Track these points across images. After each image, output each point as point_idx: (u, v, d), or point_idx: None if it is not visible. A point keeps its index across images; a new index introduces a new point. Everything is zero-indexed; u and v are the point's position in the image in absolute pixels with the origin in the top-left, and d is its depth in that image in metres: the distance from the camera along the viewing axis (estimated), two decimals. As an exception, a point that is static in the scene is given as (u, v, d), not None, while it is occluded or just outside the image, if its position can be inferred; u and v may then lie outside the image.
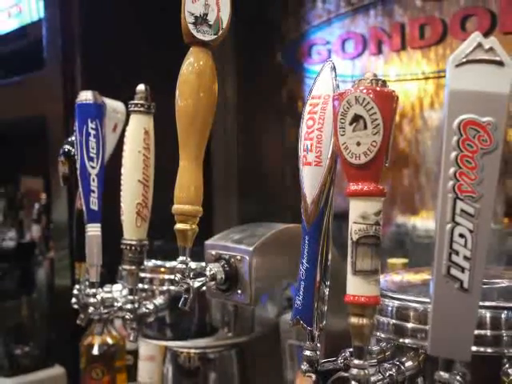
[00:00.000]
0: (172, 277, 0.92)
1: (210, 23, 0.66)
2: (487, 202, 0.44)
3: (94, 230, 0.86)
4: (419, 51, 1.22)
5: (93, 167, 0.86)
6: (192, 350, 1.01)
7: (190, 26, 0.65)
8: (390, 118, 0.47)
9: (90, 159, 0.86)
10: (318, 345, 0.58)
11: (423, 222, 1.24)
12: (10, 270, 1.45)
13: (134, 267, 0.84)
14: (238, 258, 0.78)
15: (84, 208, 0.86)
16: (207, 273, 0.77)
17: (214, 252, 0.81)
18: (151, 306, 0.90)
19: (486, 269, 0.46)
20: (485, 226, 0.44)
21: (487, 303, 0.56)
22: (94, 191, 0.86)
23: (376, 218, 0.48)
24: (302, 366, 0.58)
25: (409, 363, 0.57)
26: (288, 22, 1.48)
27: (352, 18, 1.33)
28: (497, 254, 1.10)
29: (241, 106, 1.62)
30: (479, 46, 0.43)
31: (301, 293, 0.58)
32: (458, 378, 0.48)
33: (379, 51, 1.28)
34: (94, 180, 0.86)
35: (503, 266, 0.88)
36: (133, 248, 0.83)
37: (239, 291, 0.79)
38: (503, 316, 0.55)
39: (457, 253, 0.44)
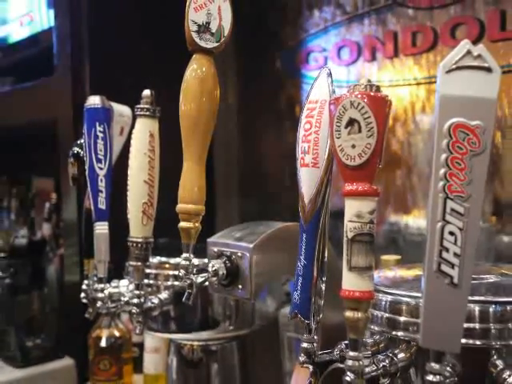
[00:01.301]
0: (176, 273, 0.92)
1: (213, 31, 0.66)
2: (476, 202, 0.44)
3: (101, 228, 0.86)
4: (411, 58, 1.22)
5: (101, 168, 0.86)
6: (195, 343, 1.01)
7: (193, 34, 0.65)
8: (384, 122, 0.47)
9: (98, 161, 0.86)
10: (315, 337, 0.58)
11: (415, 221, 1.24)
12: (22, 266, 1.45)
13: (139, 263, 0.84)
14: (239, 254, 0.78)
15: (92, 207, 0.86)
16: (209, 269, 0.77)
17: (216, 249, 0.81)
18: (156, 301, 0.90)
19: (474, 265, 0.46)
20: (474, 225, 0.44)
21: (476, 298, 0.56)
22: (101, 191, 0.86)
23: (370, 217, 0.48)
24: (300, 358, 0.58)
25: (401, 355, 0.57)
26: (286, 30, 1.48)
27: (347, 26, 1.33)
28: (485, 250, 1.10)
29: (241, 109, 1.62)
30: (468, 53, 0.43)
31: (299, 288, 0.58)
32: (448, 368, 0.48)
33: (373, 58, 1.28)
34: (101, 180, 0.86)
35: (491, 263, 0.88)
36: (139, 245, 0.83)
37: (240, 286, 0.79)
38: (491, 310, 0.55)
39: (447, 250, 0.44)
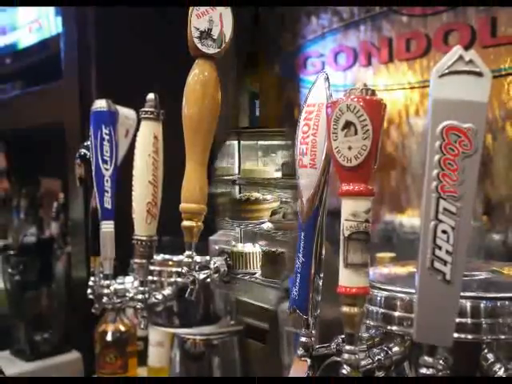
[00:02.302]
0: (179, 269, 0.92)
1: (214, 37, 0.66)
2: (467, 201, 0.44)
3: (107, 227, 0.86)
4: (405, 63, 1.22)
5: (107, 169, 0.86)
6: (197, 337, 1.01)
7: (196, 40, 0.65)
8: (379, 125, 0.47)
9: (104, 162, 0.86)
10: (313, 332, 0.58)
11: (409, 220, 1.24)
12: (31, 263, 1.45)
13: (144, 261, 0.84)
14: (240, 252, 0.78)
15: (98, 206, 0.86)
16: (211, 266, 0.77)
17: (217, 247, 0.82)
18: (160, 296, 0.90)
19: (466, 262, 0.46)
20: (465, 223, 0.44)
21: (467, 294, 0.56)
22: (107, 191, 0.86)
23: (366, 216, 0.48)
24: (299, 351, 0.58)
25: (396, 349, 0.57)
26: (285, 36, 1.48)
27: (344, 32, 1.33)
28: (476, 248, 1.10)
29: (242, 113, 1.62)
30: (460, 58, 0.43)
31: (297, 284, 0.58)
32: (440, 362, 0.48)
33: (369, 63, 1.28)
34: (107, 181, 0.86)
35: (482, 260, 0.88)
36: (143, 243, 0.84)
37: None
38: (482, 305, 0.55)
39: (440, 248, 0.44)
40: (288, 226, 0.77)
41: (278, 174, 0.83)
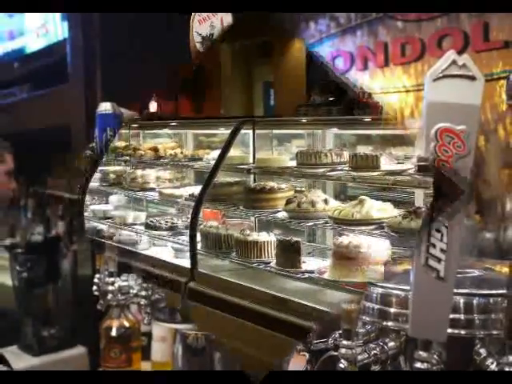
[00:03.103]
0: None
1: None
2: (461, 201, 0.44)
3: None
4: (401, 67, 1.22)
5: (111, 170, 0.86)
6: (199, 332, 1.01)
7: (198, 45, 0.65)
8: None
9: (109, 163, 0.86)
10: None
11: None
12: (38, 261, 1.45)
13: (147, 258, 0.84)
14: (240, 250, 0.78)
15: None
16: (213, 263, 0.77)
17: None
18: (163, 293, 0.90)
19: (459, 260, 0.46)
20: (459, 222, 0.44)
21: (461, 290, 0.56)
22: (112, 191, 0.86)
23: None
24: (297, 346, 0.58)
25: (391, 344, 0.57)
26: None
27: (341, 37, 1.33)
28: (469, 246, 1.10)
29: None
30: (454, 62, 0.43)
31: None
32: (435, 356, 0.48)
33: (365, 67, 1.28)
34: (112, 181, 0.86)
35: (475, 258, 0.88)
36: (147, 241, 0.84)
37: (241, 280, 0.79)
38: (475, 302, 0.55)
39: (434, 246, 0.44)
40: (303, 215, 0.76)
41: (293, 163, 0.82)
